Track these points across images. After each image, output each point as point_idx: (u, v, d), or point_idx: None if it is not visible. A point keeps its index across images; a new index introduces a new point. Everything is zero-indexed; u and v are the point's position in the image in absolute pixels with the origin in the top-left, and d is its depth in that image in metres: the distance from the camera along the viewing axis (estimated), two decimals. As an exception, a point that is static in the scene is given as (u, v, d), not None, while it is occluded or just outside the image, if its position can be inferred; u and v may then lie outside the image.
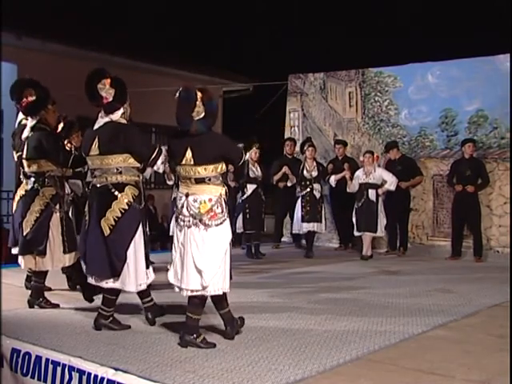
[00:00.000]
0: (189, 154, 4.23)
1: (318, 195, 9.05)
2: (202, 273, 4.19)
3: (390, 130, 10.23)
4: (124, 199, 4.52)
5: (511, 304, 5.46)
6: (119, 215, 4.49)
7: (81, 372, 3.86)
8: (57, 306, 5.44)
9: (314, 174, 9.05)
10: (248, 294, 6.20)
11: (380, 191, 8.90)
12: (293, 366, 3.88)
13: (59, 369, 3.97)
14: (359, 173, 9.01)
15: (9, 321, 4.75)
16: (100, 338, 4.48)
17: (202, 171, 4.24)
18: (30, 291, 5.57)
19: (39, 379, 4.07)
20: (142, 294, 4.80)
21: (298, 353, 4.16)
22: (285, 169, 9.39)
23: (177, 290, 4.36)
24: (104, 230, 4.50)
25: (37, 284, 5.44)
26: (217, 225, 4.24)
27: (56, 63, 10.76)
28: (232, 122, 14.63)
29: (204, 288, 4.23)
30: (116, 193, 4.52)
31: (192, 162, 4.23)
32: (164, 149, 4.55)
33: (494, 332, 4.78)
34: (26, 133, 5.45)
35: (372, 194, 8.85)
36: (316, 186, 9.05)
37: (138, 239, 4.59)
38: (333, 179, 9.27)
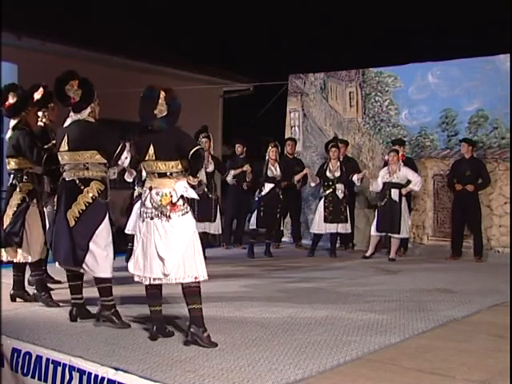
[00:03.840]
0: (151, 150, 4.42)
1: (341, 195, 9.03)
2: (164, 261, 4.31)
3: (390, 129, 10.23)
4: (89, 193, 4.78)
5: (511, 304, 5.47)
6: (84, 208, 4.76)
7: (81, 372, 3.86)
8: (57, 305, 5.49)
9: (337, 174, 9.05)
10: (249, 292, 6.21)
11: (404, 191, 8.77)
12: (293, 365, 3.88)
13: (59, 369, 3.98)
14: (383, 172, 8.96)
15: (9, 321, 4.77)
16: (100, 337, 4.48)
17: (163, 166, 4.40)
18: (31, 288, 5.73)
19: (39, 379, 4.08)
20: (74, 290, 4.99)
21: (298, 353, 4.16)
22: (306, 170, 9.45)
23: (137, 279, 4.49)
24: (69, 222, 4.75)
25: (37, 277, 5.59)
26: (181, 215, 4.39)
27: (56, 63, 10.73)
28: (232, 122, 14.61)
29: (166, 276, 4.34)
30: (82, 187, 4.78)
31: (154, 158, 4.41)
32: (128, 145, 4.78)
33: (494, 332, 4.78)
34: (9, 133, 5.68)
35: (395, 193, 8.73)
36: (339, 186, 9.04)
37: (105, 230, 4.81)
38: (356, 178, 9.20)
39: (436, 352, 4.24)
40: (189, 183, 4.41)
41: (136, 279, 4.51)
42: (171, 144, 4.41)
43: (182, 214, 4.40)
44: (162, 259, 4.32)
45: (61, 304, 5.47)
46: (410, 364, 3.98)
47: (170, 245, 4.33)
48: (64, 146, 4.84)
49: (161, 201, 4.37)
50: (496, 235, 9.08)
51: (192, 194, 4.46)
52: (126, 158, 4.81)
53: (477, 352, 4.27)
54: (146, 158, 4.44)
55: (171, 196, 4.36)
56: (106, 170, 4.92)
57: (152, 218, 4.38)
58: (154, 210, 4.38)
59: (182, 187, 4.39)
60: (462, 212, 8.91)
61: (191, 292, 4.38)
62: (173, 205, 4.36)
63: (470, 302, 5.86)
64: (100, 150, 4.80)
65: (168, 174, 4.41)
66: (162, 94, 4.42)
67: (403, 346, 4.42)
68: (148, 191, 4.45)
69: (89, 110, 4.87)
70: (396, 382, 3.68)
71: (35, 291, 5.60)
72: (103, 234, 4.81)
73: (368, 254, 9.00)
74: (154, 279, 4.39)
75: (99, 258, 4.77)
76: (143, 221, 4.44)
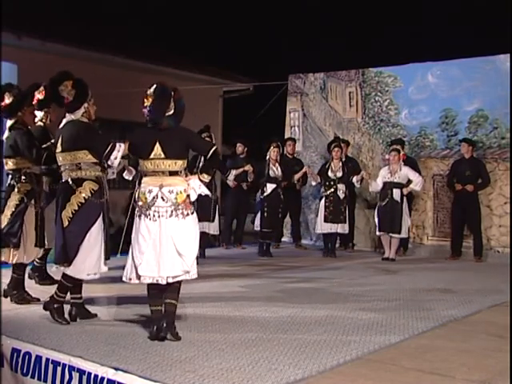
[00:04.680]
0: (158, 148, 4.39)
1: (341, 196, 9.01)
2: (183, 257, 4.33)
3: (390, 129, 10.23)
4: (81, 193, 4.77)
5: (511, 304, 5.47)
6: (76, 208, 4.75)
7: (81, 372, 3.85)
8: (28, 302, 5.52)
9: (339, 174, 9.03)
10: (248, 292, 6.21)
11: (405, 191, 8.73)
12: (293, 365, 3.88)
13: (59, 369, 3.97)
14: (384, 171, 8.94)
15: (9, 320, 4.76)
16: (100, 338, 4.47)
17: (173, 165, 4.41)
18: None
19: (39, 379, 4.07)
20: (74, 290, 4.95)
21: (298, 353, 4.16)
22: (306, 169, 9.45)
23: (149, 280, 4.39)
24: (63, 222, 4.76)
25: (17, 276, 5.60)
26: (192, 213, 4.45)
27: (56, 63, 10.70)
28: (232, 122, 14.62)
29: (186, 272, 4.37)
30: (74, 187, 4.78)
31: (163, 156, 4.38)
32: (118, 145, 4.71)
33: (494, 332, 4.79)
34: (6, 133, 5.68)
35: (396, 193, 8.69)
36: (340, 186, 9.02)
37: (96, 231, 4.79)
38: (355, 180, 9.17)
39: (436, 352, 4.24)
40: (202, 181, 4.46)
41: (147, 281, 4.40)
42: (182, 143, 4.44)
43: (193, 212, 4.46)
44: (181, 256, 4.33)
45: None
46: (410, 364, 3.98)
47: (189, 241, 4.38)
48: (59, 147, 4.86)
49: (176, 198, 4.36)
50: (496, 235, 9.08)
51: (205, 191, 4.52)
52: (116, 158, 4.72)
53: (477, 352, 4.27)
54: (152, 156, 4.39)
55: (187, 194, 4.40)
56: (102, 169, 4.89)
57: (167, 217, 4.34)
58: (169, 208, 4.35)
59: (198, 184, 4.44)
60: (462, 212, 8.91)
61: (177, 288, 4.43)
62: (189, 202, 4.41)
63: (470, 302, 5.86)
64: (90, 149, 4.79)
65: (179, 172, 4.44)
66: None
67: (403, 346, 4.42)
68: (157, 189, 4.39)
69: (82, 109, 4.86)
70: (396, 381, 3.68)
71: (6, 287, 5.61)
72: (93, 235, 4.78)
73: (387, 255, 8.90)
74: (174, 277, 4.36)
75: (83, 260, 4.75)
76: (154, 221, 4.36)
